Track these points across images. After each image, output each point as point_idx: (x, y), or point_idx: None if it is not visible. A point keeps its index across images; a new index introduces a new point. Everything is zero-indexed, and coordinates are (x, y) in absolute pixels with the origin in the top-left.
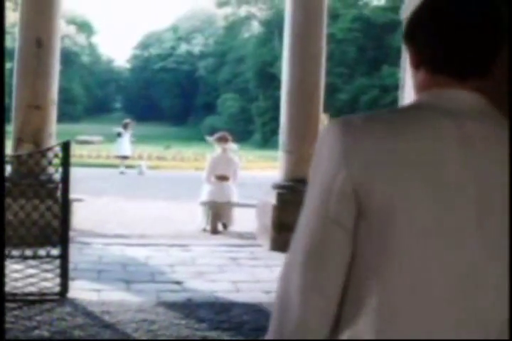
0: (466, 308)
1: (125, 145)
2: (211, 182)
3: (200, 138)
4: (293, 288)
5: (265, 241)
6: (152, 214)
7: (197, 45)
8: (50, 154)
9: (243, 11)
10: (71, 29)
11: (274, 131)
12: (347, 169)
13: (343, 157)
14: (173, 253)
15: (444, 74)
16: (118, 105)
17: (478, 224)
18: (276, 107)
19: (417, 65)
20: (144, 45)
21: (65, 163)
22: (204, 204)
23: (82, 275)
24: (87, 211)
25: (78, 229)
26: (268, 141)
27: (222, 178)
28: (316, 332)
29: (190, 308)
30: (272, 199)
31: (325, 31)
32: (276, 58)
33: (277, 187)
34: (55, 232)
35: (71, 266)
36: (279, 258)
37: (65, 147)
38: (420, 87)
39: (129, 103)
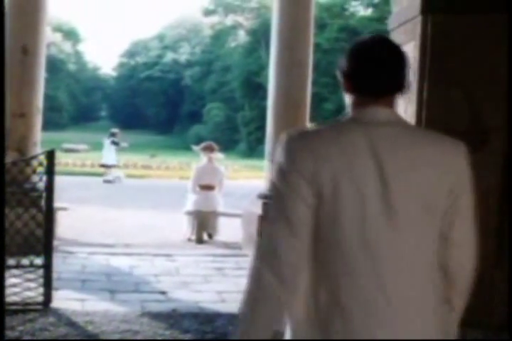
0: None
1: (110, 154)
2: (196, 191)
3: (185, 147)
4: (275, 236)
5: (251, 251)
6: (137, 223)
7: (183, 54)
8: (35, 162)
9: (230, 20)
10: (57, 36)
11: (260, 140)
12: (303, 165)
13: (299, 155)
14: (158, 263)
15: (366, 96)
16: (104, 113)
17: (389, 213)
18: (262, 116)
19: (347, 90)
20: (130, 54)
21: (50, 172)
22: (189, 213)
23: (66, 284)
24: (71, 220)
25: (62, 238)
26: (254, 150)
27: (208, 188)
28: (295, 264)
29: (174, 319)
30: (257, 209)
31: (312, 41)
32: (263, 68)
33: (263, 197)
34: (39, 241)
35: (55, 275)
36: None
37: (50, 155)
38: (352, 106)
39: (115, 111)
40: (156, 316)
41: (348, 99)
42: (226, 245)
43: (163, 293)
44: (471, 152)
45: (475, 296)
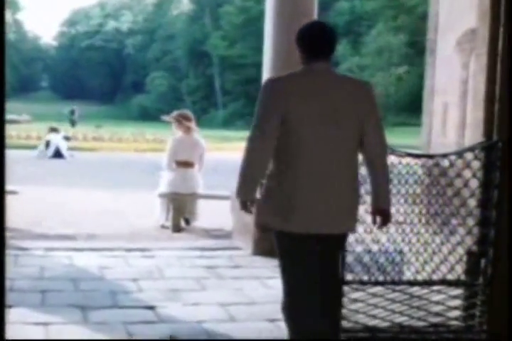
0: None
1: (63, 148)
2: (173, 169)
3: (129, 117)
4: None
5: (245, 243)
6: (97, 207)
7: (125, 22)
8: None
9: None
10: None
11: (206, 110)
12: (276, 100)
13: (273, 94)
14: (133, 261)
15: (313, 57)
16: (45, 84)
17: (327, 124)
18: (207, 85)
19: (301, 52)
20: (71, 22)
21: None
22: (163, 196)
23: (21, 299)
24: (19, 204)
25: (12, 229)
26: (199, 119)
27: (186, 165)
28: (263, 162)
29: None
30: None
31: None
32: (207, 36)
33: None
34: None
35: (6, 284)
36: (268, 267)
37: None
38: (304, 62)
39: (56, 81)
40: None
41: (300, 58)
42: (208, 233)
43: (150, 308)
44: None
45: None
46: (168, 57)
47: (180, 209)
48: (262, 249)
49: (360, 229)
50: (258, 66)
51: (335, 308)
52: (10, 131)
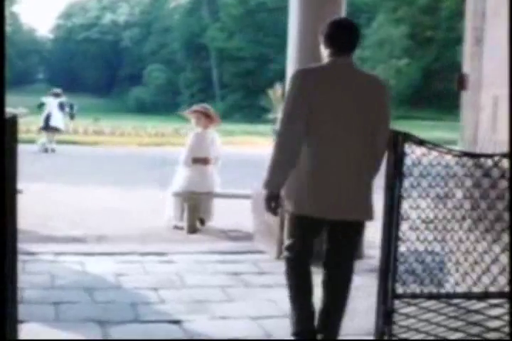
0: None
1: (56, 116)
2: (190, 165)
3: (126, 110)
4: (286, 131)
5: (269, 247)
6: (104, 205)
7: (122, 15)
8: None
9: None
10: None
11: (203, 102)
12: (305, 90)
13: (302, 83)
14: (150, 266)
15: (337, 52)
16: (41, 76)
17: (347, 117)
18: (204, 78)
19: (326, 47)
20: (67, 15)
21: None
22: (178, 195)
23: (33, 312)
24: (23, 204)
25: (18, 231)
26: None
27: (205, 162)
28: (296, 145)
29: None
30: None
31: None
32: (205, 28)
33: None
34: None
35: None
36: None
37: (12, 123)
38: (328, 56)
39: (52, 74)
40: None
41: (324, 52)
42: (226, 234)
43: (175, 322)
44: None
45: None
46: (166, 50)
47: (196, 209)
48: None
49: (404, 226)
50: (257, 58)
51: (344, 299)
52: None
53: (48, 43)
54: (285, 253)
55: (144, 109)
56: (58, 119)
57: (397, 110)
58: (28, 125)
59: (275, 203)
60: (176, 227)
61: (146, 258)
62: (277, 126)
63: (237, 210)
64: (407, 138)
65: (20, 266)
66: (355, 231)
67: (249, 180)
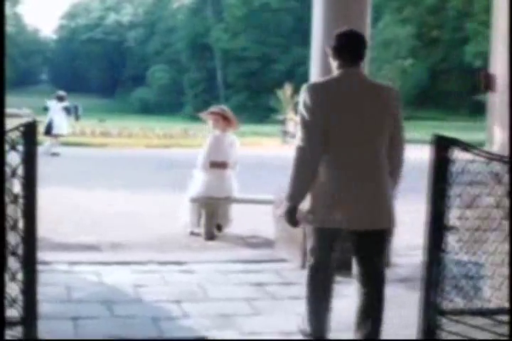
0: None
1: (59, 121)
2: (207, 169)
3: (129, 111)
4: (305, 145)
5: (292, 255)
6: (114, 209)
7: (126, 15)
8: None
9: None
10: None
11: (207, 103)
12: (319, 104)
13: (315, 99)
14: (170, 277)
15: (346, 62)
16: (44, 77)
17: (362, 128)
18: (209, 78)
19: (335, 58)
20: (71, 15)
21: (29, 152)
22: (196, 200)
23: (51, 328)
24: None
25: None
26: (200, 112)
27: (224, 166)
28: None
29: None
30: None
31: None
32: (209, 28)
33: None
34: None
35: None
36: None
37: (30, 129)
38: (338, 67)
39: (56, 75)
40: None
41: (333, 63)
42: (244, 241)
43: (202, 339)
44: None
45: None
46: (169, 50)
47: (214, 215)
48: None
49: (450, 238)
50: (261, 59)
51: (379, 308)
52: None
53: (51, 44)
54: (308, 259)
55: (147, 109)
56: (61, 125)
57: (404, 111)
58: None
59: (296, 216)
60: (193, 233)
61: (164, 267)
62: (296, 138)
63: (253, 215)
64: (453, 143)
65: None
66: (380, 239)
67: (261, 183)
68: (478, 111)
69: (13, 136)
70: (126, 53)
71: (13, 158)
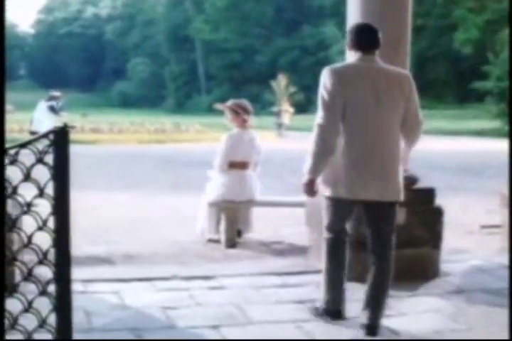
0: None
1: (39, 119)
2: (225, 171)
3: (110, 105)
4: (324, 123)
5: (324, 263)
6: (118, 213)
7: (104, 8)
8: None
9: None
10: None
11: (189, 95)
12: (338, 86)
13: (335, 81)
14: (200, 295)
15: (363, 50)
16: (23, 72)
17: (377, 105)
18: (190, 70)
19: (353, 48)
20: (49, 9)
21: (62, 157)
22: (215, 204)
23: None
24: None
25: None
26: (182, 105)
27: (244, 166)
28: (333, 136)
29: None
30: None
31: None
32: (189, 20)
33: None
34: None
35: None
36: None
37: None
38: (355, 57)
39: (35, 69)
40: None
41: (350, 53)
42: (268, 248)
43: None
44: None
45: None
46: (149, 43)
47: (235, 220)
48: (355, 273)
49: None
50: (242, 50)
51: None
52: None
53: (29, 39)
54: (325, 234)
55: (128, 103)
56: (40, 122)
57: None
58: (20, 124)
59: (314, 187)
60: (211, 240)
61: (191, 283)
62: (317, 118)
63: (273, 218)
64: None
65: (45, 300)
66: (392, 210)
67: (268, 181)
68: (466, 99)
69: (41, 146)
70: (106, 47)
71: (40, 173)
